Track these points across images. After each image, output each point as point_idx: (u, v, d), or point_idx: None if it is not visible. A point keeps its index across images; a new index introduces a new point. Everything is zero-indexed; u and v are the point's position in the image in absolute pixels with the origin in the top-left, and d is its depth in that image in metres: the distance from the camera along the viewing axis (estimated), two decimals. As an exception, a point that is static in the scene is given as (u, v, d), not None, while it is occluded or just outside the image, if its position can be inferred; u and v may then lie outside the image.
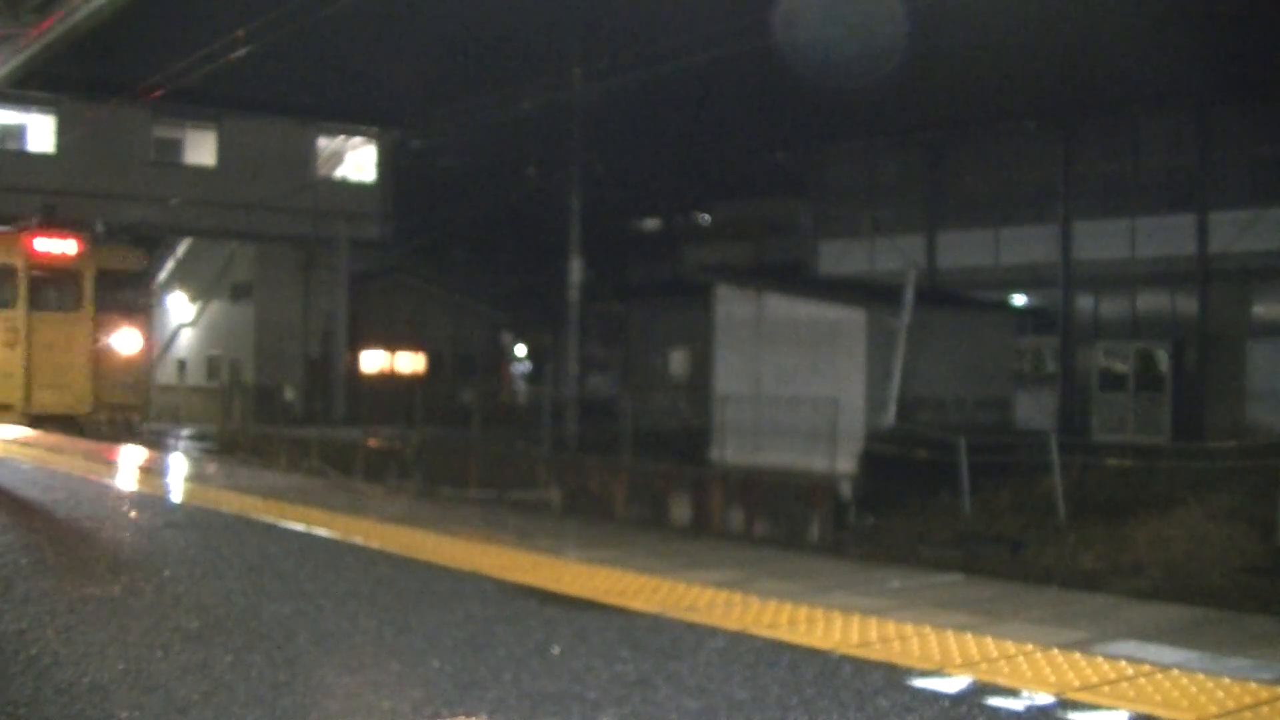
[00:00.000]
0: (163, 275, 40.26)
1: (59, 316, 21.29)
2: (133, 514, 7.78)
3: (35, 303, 20.93)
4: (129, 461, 11.68)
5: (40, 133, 32.90)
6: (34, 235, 21.16)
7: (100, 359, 21.28)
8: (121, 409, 21.74)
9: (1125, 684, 3.62)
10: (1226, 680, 3.64)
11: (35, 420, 20.01)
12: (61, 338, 21.02)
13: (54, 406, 20.68)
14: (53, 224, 22.08)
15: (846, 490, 19.67)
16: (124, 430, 21.41)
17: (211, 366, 38.66)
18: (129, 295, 22.36)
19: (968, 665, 3.84)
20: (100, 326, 21.38)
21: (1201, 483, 18.29)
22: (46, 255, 21.02)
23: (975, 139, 33.03)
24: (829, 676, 3.74)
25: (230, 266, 38.69)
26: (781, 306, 24.64)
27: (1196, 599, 12.11)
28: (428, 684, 3.69)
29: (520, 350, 44.45)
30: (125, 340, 21.72)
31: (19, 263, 20.79)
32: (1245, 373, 28.03)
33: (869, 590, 5.24)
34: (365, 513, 7.68)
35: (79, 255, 21.32)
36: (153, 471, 10.60)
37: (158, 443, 19.38)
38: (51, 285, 21.49)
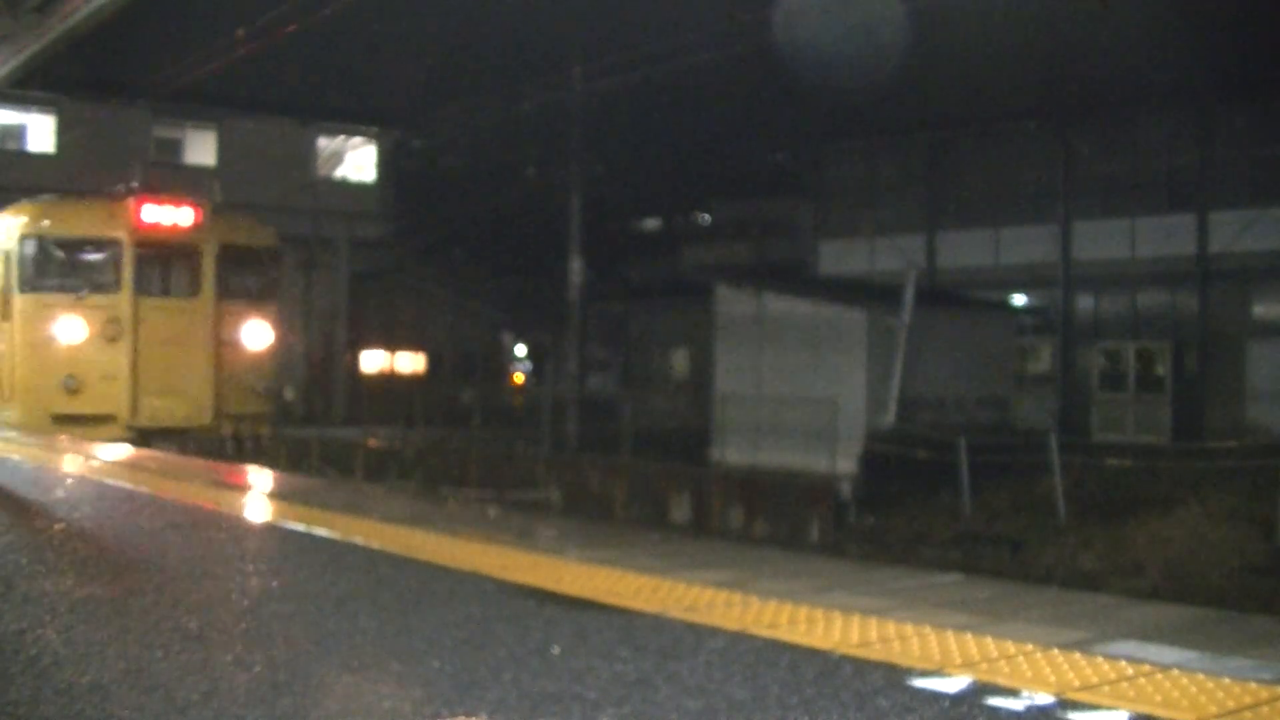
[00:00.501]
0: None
1: (173, 304, 17.43)
2: (133, 514, 7.78)
3: (143, 287, 17.08)
4: (127, 462, 11.68)
5: (40, 133, 32.94)
6: (141, 201, 16.95)
7: (223, 358, 17.33)
8: (248, 420, 17.76)
9: (1125, 684, 3.62)
10: (1226, 680, 3.64)
11: (142, 435, 16.30)
12: (176, 331, 17.06)
13: (166, 418, 16.84)
14: (160, 188, 17.85)
15: (846, 490, 19.69)
16: (252, 448, 17.60)
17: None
18: (256, 278, 18.36)
19: (968, 665, 3.85)
20: (223, 316, 17.46)
21: (1201, 483, 18.31)
22: (156, 227, 16.90)
23: (975, 139, 33.06)
24: (829, 676, 3.74)
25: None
26: (782, 306, 24.66)
27: (1196, 599, 12.12)
28: (428, 684, 3.69)
29: (520, 350, 44.46)
30: (253, 334, 17.80)
31: (123, 236, 16.82)
32: (1245, 373, 28.04)
33: (869, 590, 5.24)
34: (365, 513, 7.68)
35: (197, 227, 17.21)
36: (153, 471, 10.60)
37: (156, 443, 16.95)
38: (163, 265, 17.59)
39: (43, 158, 32.35)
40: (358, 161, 38.32)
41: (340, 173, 38.36)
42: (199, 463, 12.18)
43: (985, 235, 32.57)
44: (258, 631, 4.40)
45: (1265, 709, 3.37)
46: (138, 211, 16.88)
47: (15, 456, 11.80)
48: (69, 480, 9.77)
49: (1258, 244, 27.21)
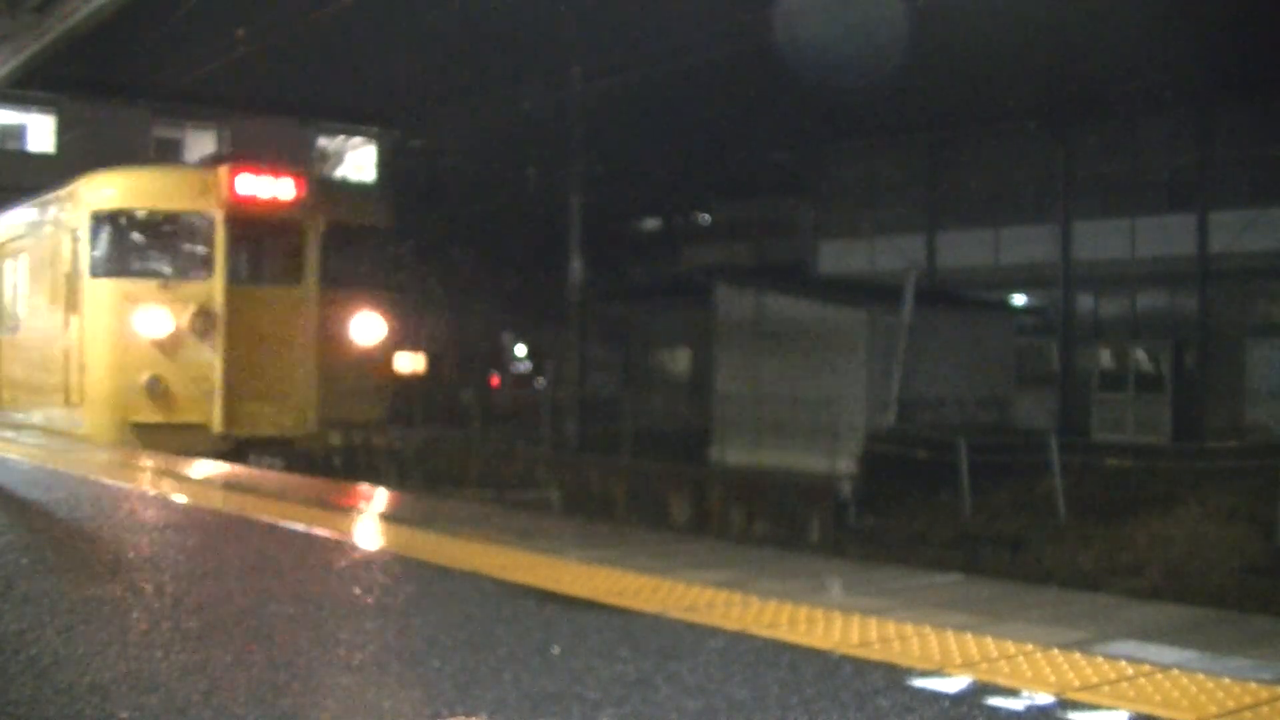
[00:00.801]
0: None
1: (272, 292, 14.81)
2: (133, 514, 7.79)
3: (238, 271, 14.48)
4: (126, 462, 11.67)
5: (40, 133, 32.93)
6: (236, 170, 14.35)
7: (330, 356, 14.65)
8: (358, 429, 15.47)
9: (1125, 684, 3.62)
10: (1226, 680, 3.64)
11: (237, 446, 14.05)
12: (276, 324, 14.50)
13: (265, 426, 14.34)
14: (256, 157, 15.37)
15: (846, 490, 19.69)
16: (363, 462, 15.48)
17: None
18: (366, 262, 15.79)
19: (968, 665, 3.85)
20: (330, 307, 14.75)
21: (1201, 483, 18.31)
22: (253, 201, 14.28)
23: (975, 139, 33.07)
24: (829, 676, 3.74)
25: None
26: (782, 306, 24.67)
27: (1196, 599, 12.12)
28: (428, 684, 3.69)
29: (520, 350, 44.46)
30: (364, 328, 15.20)
31: (215, 211, 14.16)
32: (1245, 373, 28.05)
33: (869, 590, 5.25)
34: (365, 512, 7.68)
35: (299, 201, 14.54)
36: (153, 471, 10.60)
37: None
38: (260, 246, 15.07)
39: (43, 158, 32.35)
40: (358, 161, 38.33)
41: (340, 172, 38.36)
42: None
43: (985, 235, 32.58)
44: (258, 631, 4.40)
45: (1265, 709, 3.37)
46: (232, 182, 14.16)
47: (14, 456, 11.80)
48: (71, 480, 9.77)
49: (1258, 244, 27.23)
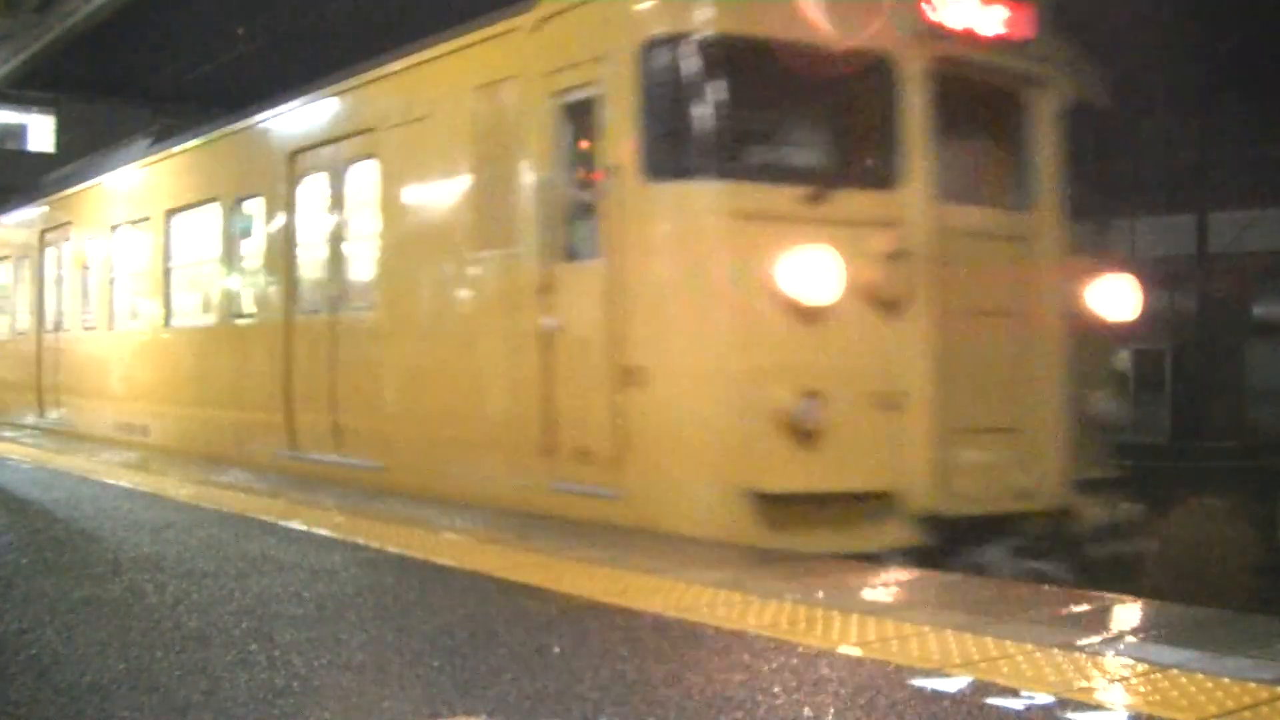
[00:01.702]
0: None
1: (995, 221, 7.65)
2: (133, 513, 7.79)
3: (944, 179, 7.18)
4: (141, 461, 11.66)
5: (40, 133, 32.95)
6: None
7: (1042, 354, 7.79)
8: (1106, 490, 8.84)
9: (1125, 684, 3.62)
10: (1226, 680, 3.64)
11: (949, 530, 7.19)
12: (999, 283, 7.56)
13: (991, 495, 7.43)
14: None
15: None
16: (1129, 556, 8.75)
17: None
18: (1100, 175, 9.14)
19: (968, 665, 3.85)
20: (1071, 257, 7.94)
21: (1201, 483, 18.30)
22: (970, 39, 7.42)
23: (975, 139, 33.01)
24: (829, 676, 3.74)
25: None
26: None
27: (1196, 599, 12.11)
28: (428, 684, 3.69)
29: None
30: (1110, 297, 8.43)
31: (904, 54, 7.08)
32: (1245, 373, 28.05)
33: (869, 590, 5.25)
34: (365, 513, 7.68)
35: (1033, 53, 8.08)
36: (152, 471, 10.61)
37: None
38: (974, 131, 7.85)
39: (43, 158, 32.35)
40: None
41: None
42: None
43: (985, 235, 32.56)
44: (258, 632, 4.40)
45: (1265, 709, 3.37)
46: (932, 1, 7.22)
47: (15, 456, 11.79)
48: (69, 480, 9.77)
49: (1258, 244, 27.21)
